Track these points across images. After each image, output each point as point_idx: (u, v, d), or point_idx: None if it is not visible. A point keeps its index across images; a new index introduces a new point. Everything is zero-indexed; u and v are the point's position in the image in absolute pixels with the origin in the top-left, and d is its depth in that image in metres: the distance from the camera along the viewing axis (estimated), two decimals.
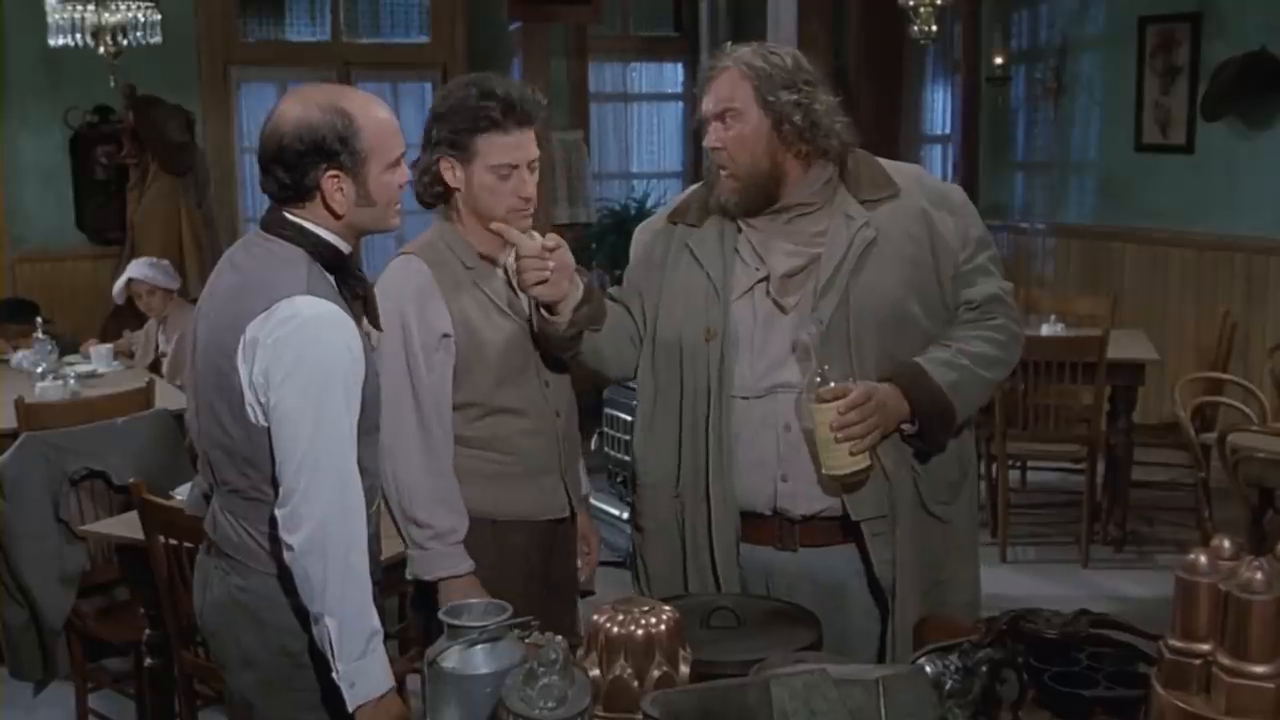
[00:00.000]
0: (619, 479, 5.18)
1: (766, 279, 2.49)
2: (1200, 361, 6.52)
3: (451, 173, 2.65)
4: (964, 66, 8.26)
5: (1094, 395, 5.40)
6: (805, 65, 2.51)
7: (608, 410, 5.13)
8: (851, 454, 2.36)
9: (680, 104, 9.38)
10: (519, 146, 2.61)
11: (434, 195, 2.71)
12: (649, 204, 8.65)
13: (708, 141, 2.51)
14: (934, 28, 6.44)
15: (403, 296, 2.62)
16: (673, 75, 9.39)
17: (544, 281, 2.49)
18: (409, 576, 2.67)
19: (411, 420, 2.61)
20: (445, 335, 2.63)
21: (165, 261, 5.99)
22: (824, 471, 2.40)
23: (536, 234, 2.55)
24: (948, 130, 8.77)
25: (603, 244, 8.18)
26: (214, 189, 7.35)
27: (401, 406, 2.59)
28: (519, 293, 2.71)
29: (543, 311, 2.56)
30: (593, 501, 2.98)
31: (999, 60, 7.88)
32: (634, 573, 2.72)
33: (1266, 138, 6.54)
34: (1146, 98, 7.12)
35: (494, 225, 2.59)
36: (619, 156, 9.14)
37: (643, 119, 9.34)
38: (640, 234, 2.74)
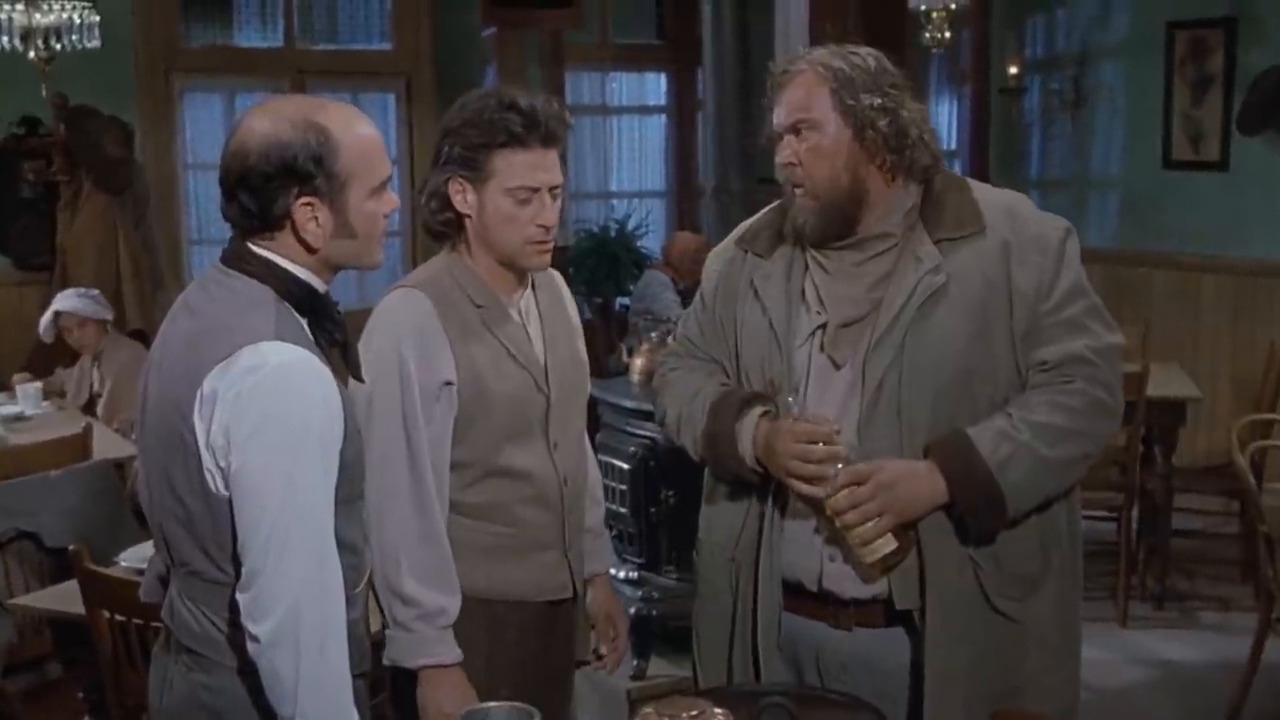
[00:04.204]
0: (613, 533, 5.00)
1: (824, 327, 2.36)
2: (1239, 398, 6.42)
3: (462, 196, 2.50)
4: (973, 77, 8.18)
5: (1130, 437, 5.26)
6: (890, 68, 2.35)
7: (601, 457, 4.95)
8: (863, 543, 2.25)
9: (663, 117, 9.28)
10: (541, 168, 2.47)
11: (442, 223, 2.55)
12: (630, 225, 8.53)
13: (781, 158, 2.36)
14: (947, 34, 6.36)
15: (401, 336, 2.46)
16: (655, 86, 9.30)
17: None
18: (386, 662, 2.50)
19: (405, 478, 2.45)
20: (447, 383, 2.47)
21: (96, 291, 5.87)
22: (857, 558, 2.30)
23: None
24: (954, 145, 8.69)
25: (581, 268, 8.03)
26: (154, 209, 7.18)
27: (394, 462, 2.43)
28: (532, 339, 2.56)
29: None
30: None
31: (1013, 70, 7.79)
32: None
33: None
34: (1175, 110, 7.03)
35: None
36: (597, 174, 9.02)
37: (623, 133, 9.23)
38: (712, 262, 2.62)
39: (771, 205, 2.58)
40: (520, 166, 2.45)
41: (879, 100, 2.29)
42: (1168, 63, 7.04)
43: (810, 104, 2.31)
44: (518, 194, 2.46)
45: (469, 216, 2.51)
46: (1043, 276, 2.30)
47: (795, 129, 2.33)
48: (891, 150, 2.31)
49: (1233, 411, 6.42)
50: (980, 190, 2.40)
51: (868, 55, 2.35)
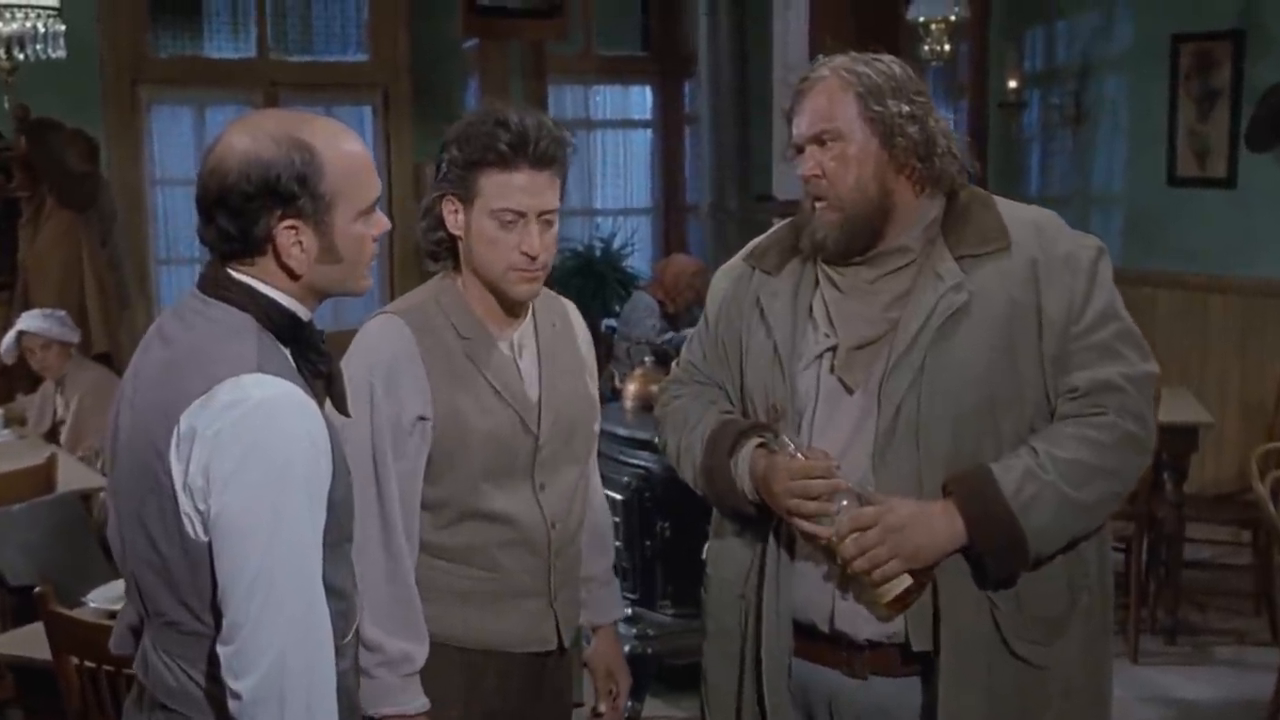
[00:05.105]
0: None
1: (834, 349, 2.29)
2: (1249, 423, 6.37)
3: (454, 216, 2.43)
4: (970, 90, 8.14)
5: None
6: (913, 75, 2.30)
7: None
8: (874, 584, 2.19)
9: (649, 132, 9.23)
10: (528, 191, 2.37)
11: (435, 243, 2.48)
12: (616, 244, 8.46)
13: (803, 170, 2.29)
14: (946, 47, 6.32)
15: (374, 365, 2.39)
16: (640, 100, 9.26)
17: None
18: None
19: (374, 516, 2.37)
20: (421, 418, 2.40)
21: (62, 312, 5.80)
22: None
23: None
24: None
25: (566, 288, 7.93)
26: (121, 226, 7.09)
27: (365, 499, 2.34)
28: (525, 375, 2.47)
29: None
30: None
31: (1012, 84, 7.76)
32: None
33: None
34: (1180, 125, 6.98)
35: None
36: (581, 190, 8.96)
37: (607, 148, 9.18)
38: (719, 280, 2.56)
39: (783, 222, 2.53)
40: (505, 188, 2.37)
41: (906, 107, 2.23)
42: (1172, 76, 6.99)
43: (834, 112, 2.25)
44: (502, 216, 2.38)
45: (459, 237, 2.45)
46: (1073, 298, 2.24)
47: (819, 139, 2.27)
48: (921, 158, 2.25)
49: (1242, 437, 6.39)
50: (1006, 206, 2.34)
51: (891, 62, 2.31)
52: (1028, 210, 2.36)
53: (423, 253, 2.54)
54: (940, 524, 2.19)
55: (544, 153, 2.37)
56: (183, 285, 7.72)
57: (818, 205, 2.29)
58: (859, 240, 2.29)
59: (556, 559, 2.53)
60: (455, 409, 2.41)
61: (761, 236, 2.54)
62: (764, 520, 2.35)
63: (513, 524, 2.47)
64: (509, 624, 2.50)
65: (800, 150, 2.30)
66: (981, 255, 2.25)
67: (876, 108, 2.23)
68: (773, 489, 2.26)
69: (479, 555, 2.47)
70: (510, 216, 2.37)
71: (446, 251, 2.49)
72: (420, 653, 2.39)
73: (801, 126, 2.29)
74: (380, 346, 2.42)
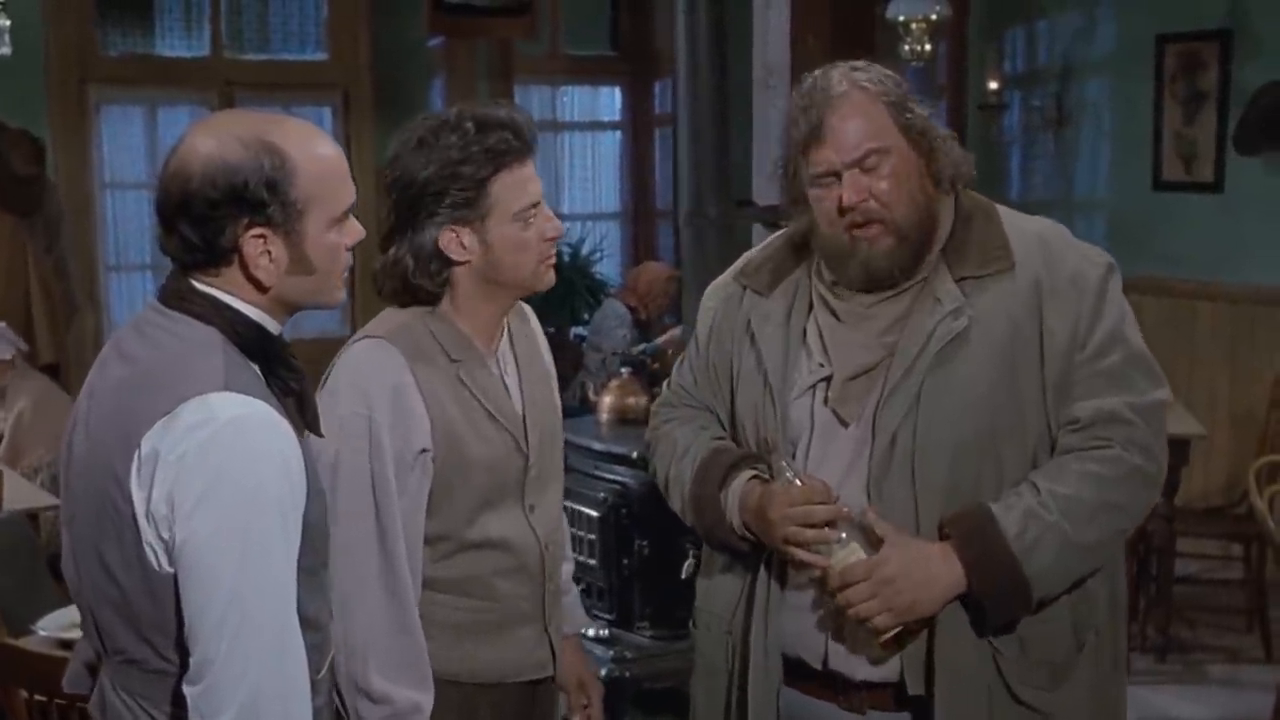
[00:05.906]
0: (581, 586, 4.85)
1: (828, 380, 2.22)
2: (1239, 434, 6.36)
3: (459, 242, 2.32)
4: (949, 92, 8.14)
5: None
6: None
7: (568, 504, 4.79)
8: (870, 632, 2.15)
9: (618, 134, 9.19)
10: (534, 178, 2.36)
11: (440, 284, 2.36)
12: (585, 250, 8.41)
13: (849, 198, 2.15)
14: (927, 47, 6.29)
15: (375, 398, 2.31)
16: (609, 101, 9.22)
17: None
18: None
19: (374, 559, 2.30)
20: (423, 451, 2.33)
21: (1, 323, 5.65)
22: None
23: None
24: None
25: (531, 299, 7.89)
26: (68, 232, 7.03)
27: (364, 542, 2.29)
28: (511, 393, 2.42)
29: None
30: None
31: (993, 85, 7.75)
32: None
33: None
34: (1166, 128, 6.98)
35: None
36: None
37: (574, 151, 9.13)
38: (709, 300, 2.49)
39: (774, 235, 2.46)
40: (522, 184, 2.33)
41: (926, 111, 2.18)
42: (1157, 78, 6.98)
43: (874, 130, 2.15)
44: (526, 215, 2.33)
45: (467, 262, 2.35)
46: (1079, 320, 2.17)
47: (862, 162, 2.14)
48: (954, 163, 2.19)
49: (1232, 447, 6.37)
50: (1009, 217, 2.27)
51: (878, 67, 2.24)
52: (1032, 222, 2.29)
53: (410, 295, 2.39)
54: (938, 569, 2.13)
55: (534, 135, 2.37)
56: (133, 293, 7.64)
57: (859, 233, 2.17)
58: (910, 260, 2.20)
59: (549, 581, 2.49)
60: (454, 437, 2.35)
61: (753, 251, 2.47)
62: (754, 555, 2.30)
63: (510, 550, 2.42)
64: (507, 653, 2.45)
65: (834, 177, 2.17)
66: (983, 277, 2.18)
67: (907, 115, 2.16)
68: (769, 516, 2.20)
69: (477, 585, 2.42)
70: (532, 212, 2.34)
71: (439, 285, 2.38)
72: (428, 702, 2.33)
73: (835, 152, 2.15)
74: (374, 375, 2.33)
